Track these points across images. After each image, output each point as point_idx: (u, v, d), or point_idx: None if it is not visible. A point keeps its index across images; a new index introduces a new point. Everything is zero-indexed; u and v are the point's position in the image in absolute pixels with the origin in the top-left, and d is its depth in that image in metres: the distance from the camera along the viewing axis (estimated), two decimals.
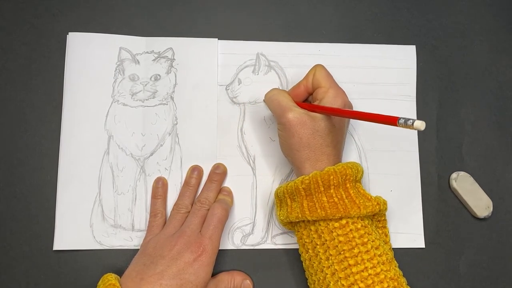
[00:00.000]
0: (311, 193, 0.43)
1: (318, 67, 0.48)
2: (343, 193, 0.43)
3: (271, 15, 0.54)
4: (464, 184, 0.51)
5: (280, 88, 0.52)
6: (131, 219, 0.49)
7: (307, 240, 0.44)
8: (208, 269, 0.43)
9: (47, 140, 0.50)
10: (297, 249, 0.49)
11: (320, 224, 0.43)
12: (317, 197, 0.43)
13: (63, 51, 0.52)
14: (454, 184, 0.51)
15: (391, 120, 0.37)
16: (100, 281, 0.42)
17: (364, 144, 0.52)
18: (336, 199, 0.42)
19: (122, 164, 0.50)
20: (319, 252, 0.43)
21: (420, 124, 0.34)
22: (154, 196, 0.49)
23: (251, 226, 0.50)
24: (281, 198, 0.46)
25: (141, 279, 0.41)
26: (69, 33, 0.52)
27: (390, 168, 0.52)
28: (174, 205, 0.49)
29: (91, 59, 0.51)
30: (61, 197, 0.49)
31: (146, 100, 0.51)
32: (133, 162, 0.50)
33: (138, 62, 0.52)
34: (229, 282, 0.47)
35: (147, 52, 0.52)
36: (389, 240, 0.48)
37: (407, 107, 0.53)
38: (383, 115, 0.38)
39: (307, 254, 0.45)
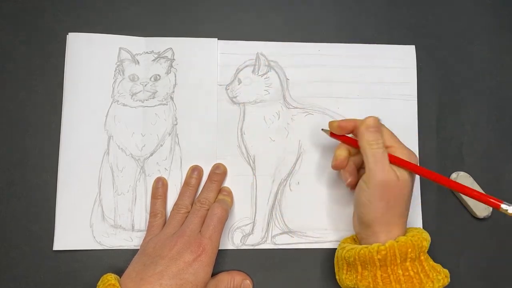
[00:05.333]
0: (386, 264, 0.41)
1: (384, 127, 0.45)
2: (418, 266, 0.41)
3: (271, 15, 0.54)
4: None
5: (280, 87, 0.52)
6: (131, 219, 0.49)
7: None
8: (208, 269, 0.43)
9: (47, 140, 0.50)
10: (297, 249, 0.50)
11: None
12: (392, 269, 0.40)
13: (63, 51, 0.52)
14: None
15: (494, 205, 0.39)
16: (100, 281, 0.42)
17: None
18: (412, 273, 0.40)
19: (122, 164, 0.50)
20: None
21: None
22: (154, 196, 0.49)
23: (251, 226, 0.50)
24: (351, 263, 0.43)
25: (141, 279, 0.41)
26: (69, 33, 0.52)
27: None
28: (174, 205, 0.49)
29: (91, 59, 0.51)
30: (61, 197, 0.49)
31: (146, 100, 0.51)
32: (133, 162, 0.50)
33: (138, 62, 0.52)
34: (229, 282, 0.47)
35: (147, 52, 0.52)
36: None
37: (407, 107, 0.53)
38: (488, 196, 0.39)
39: None
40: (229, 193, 0.50)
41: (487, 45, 0.55)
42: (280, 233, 0.50)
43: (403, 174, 0.42)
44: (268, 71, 0.53)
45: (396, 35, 0.55)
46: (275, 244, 0.50)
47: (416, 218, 0.51)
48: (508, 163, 0.53)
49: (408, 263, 0.41)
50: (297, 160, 0.52)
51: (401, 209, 0.42)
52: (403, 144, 0.45)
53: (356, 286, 0.43)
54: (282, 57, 0.53)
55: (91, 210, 0.49)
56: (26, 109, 0.51)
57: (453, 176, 0.52)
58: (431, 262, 0.42)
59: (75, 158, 0.50)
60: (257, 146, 0.52)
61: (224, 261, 0.49)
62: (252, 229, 0.50)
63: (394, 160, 0.42)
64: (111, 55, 0.52)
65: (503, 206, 0.36)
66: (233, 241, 0.50)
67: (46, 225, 0.49)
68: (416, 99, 0.53)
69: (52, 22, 0.52)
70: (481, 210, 0.51)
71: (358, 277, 0.42)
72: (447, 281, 0.42)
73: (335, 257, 0.46)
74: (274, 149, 0.52)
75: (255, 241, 0.50)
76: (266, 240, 0.50)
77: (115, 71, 0.51)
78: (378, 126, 0.44)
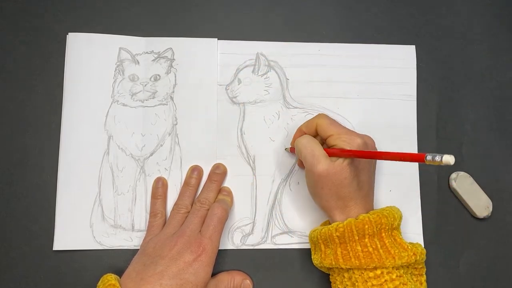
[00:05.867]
0: (345, 241, 0.42)
1: (319, 117, 0.47)
2: (378, 242, 0.42)
3: (271, 15, 0.54)
4: (464, 184, 0.51)
5: (280, 87, 0.53)
6: (131, 219, 0.49)
7: (340, 286, 0.44)
8: (208, 269, 0.43)
9: (47, 140, 0.50)
10: (297, 249, 0.50)
11: (354, 272, 0.42)
12: (351, 246, 0.42)
13: (63, 51, 0.52)
14: (453, 184, 0.51)
15: (418, 158, 0.37)
16: (100, 281, 0.42)
17: None
18: (370, 249, 0.42)
19: (122, 164, 0.50)
20: None
21: (450, 159, 0.34)
22: (154, 196, 0.49)
23: (251, 226, 0.50)
24: (315, 243, 0.46)
25: (141, 279, 0.41)
26: (69, 33, 0.52)
27: (389, 168, 0.52)
28: (174, 205, 0.49)
29: (91, 59, 0.51)
30: (61, 197, 0.49)
31: (146, 100, 0.51)
32: (133, 162, 0.50)
33: (138, 62, 0.52)
34: (229, 282, 0.47)
35: (147, 52, 0.52)
36: None
37: (407, 107, 0.53)
38: (410, 154, 0.38)
39: None
40: (229, 193, 0.50)
41: (487, 45, 0.55)
42: (280, 233, 0.50)
43: (338, 161, 0.43)
44: (268, 71, 0.53)
45: (396, 35, 0.55)
46: (275, 244, 0.50)
47: (415, 218, 0.51)
48: (508, 163, 0.53)
49: (366, 240, 0.42)
50: (297, 160, 0.52)
51: (346, 192, 0.43)
52: (343, 130, 0.45)
53: (321, 265, 0.45)
54: (282, 57, 0.53)
55: (91, 210, 0.49)
56: (26, 109, 0.51)
57: (453, 176, 0.52)
58: (398, 239, 0.43)
59: (75, 158, 0.50)
60: (257, 146, 0.52)
61: (224, 261, 0.49)
62: (252, 229, 0.50)
63: (327, 152, 0.44)
64: (111, 55, 0.52)
65: (428, 157, 0.35)
66: (233, 241, 0.50)
67: (46, 225, 0.49)
68: (416, 99, 0.53)
69: (52, 22, 0.52)
70: (481, 210, 0.51)
71: (322, 256, 0.44)
72: (414, 258, 0.42)
73: (308, 239, 0.48)
74: (274, 149, 0.52)
75: (255, 241, 0.50)
76: (266, 240, 0.50)
77: (115, 71, 0.52)
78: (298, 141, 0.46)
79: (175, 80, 0.52)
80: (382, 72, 0.54)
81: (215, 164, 0.51)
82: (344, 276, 0.43)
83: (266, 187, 0.51)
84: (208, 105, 0.52)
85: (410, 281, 0.42)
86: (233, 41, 0.53)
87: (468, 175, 0.52)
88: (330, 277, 0.46)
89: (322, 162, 0.43)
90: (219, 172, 0.50)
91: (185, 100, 0.52)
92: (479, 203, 0.51)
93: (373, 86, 0.53)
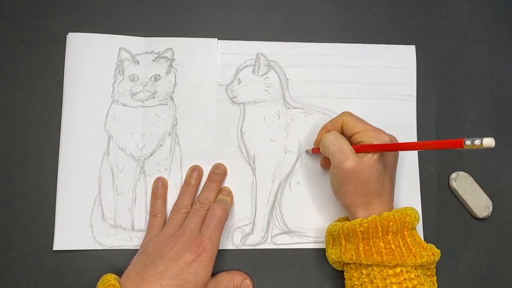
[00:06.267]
0: (368, 237, 0.42)
1: (345, 114, 0.47)
2: (400, 240, 0.42)
3: (271, 15, 0.54)
4: (464, 184, 0.51)
5: (280, 87, 0.53)
6: (131, 219, 0.49)
7: (356, 283, 0.44)
8: (208, 269, 0.43)
9: (47, 140, 0.50)
10: (297, 249, 0.50)
11: (373, 269, 0.42)
12: (374, 242, 0.42)
13: (63, 51, 0.52)
14: (453, 184, 0.51)
15: (456, 144, 0.35)
16: (100, 281, 0.42)
17: None
18: (393, 246, 0.42)
19: (122, 164, 0.50)
20: None
21: (490, 141, 0.33)
22: (154, 196, 0.49)
23: (251, 226, 0.50)
24: (335, 237, 0.46)
25: (141, 279, 0.41)
26: (69, 33, 0.52)
27: None
28: (174, 205, 0.49)
29: (91, 59, 0.51)
30: (61, 197, 0.49)
31: (146, 100, 0.51)
32: (133, 162, 0.50)
33: (138, 63, 0.52)
34: (229, 282, 0.47)
35: (147, 52, 0.52)
36: None
37: (407, 107, 0.53)
38: (447, 141, 0.36)
39: None
40: (229, 193, 0.50)
41: (487, 45, 0.55)
42: (280, 233, 0.50)
43: (367, 157, 0.43)
44: (268, 71, 0.53)
45: (396, 35, 0.55)
46: (275, 244, 0.50)
47: None
48: (508, 163, 0.53)
49: (390, 237, 0.42)
50: (297, 160, 0.52)
51: (372, 189, 0.43)
52: (371, 127, 0.45)
53: (340, 260, 0.44)
54: (282, 57, 0.53)
55: (91, 210, 0.49)
56: (26, 109, 0.51)
57: (453, 176, 0.52)
58: (418, 238, 0.43)
59: (75, 158, 0.50)
60: (257, 146, 0.52)
61: (224, 261, 0.49)
62: (252, 229, 0.50)
63: (355, 149, 0.44)
64: (111, 55, 0.52)
65: (467, 142, 0.34)
66: (233, 241, 0.50)
67: (46, 225, 0.49)
68: (415, 99, 0.53)
69: (52, 22, 0.52)
70: (481, 210, 0.51)
71: (342, 250, 0.44)
72: (433, 258, 0.42)
73: (325, 234, 0.48)
74: (274, 149, 0.52)
75: (255, 241, 0.50)
76: (266, 240, 0.50)
77: (115, 71, 0.52)
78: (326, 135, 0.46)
79: (175, 80, 0.52)
80: (382, 72, 0.54)
81: (215, 164, 0.51)
82: (362, 273, 0.43)
83: (266, 187, 0.51)
84: (208, 105, 0.52)
85: (426, 282, 0.42)
86: (233, 41, 0.53)
87: (468, 175, 0.52)
88: (345, 273, 0.46)
89: (351, 158, 0.43)
90: (219, 172, 0.50)
91: (185, 100, 0.52)
92: (479, 203, 0.51)
93: (373, 86, 0.53)
